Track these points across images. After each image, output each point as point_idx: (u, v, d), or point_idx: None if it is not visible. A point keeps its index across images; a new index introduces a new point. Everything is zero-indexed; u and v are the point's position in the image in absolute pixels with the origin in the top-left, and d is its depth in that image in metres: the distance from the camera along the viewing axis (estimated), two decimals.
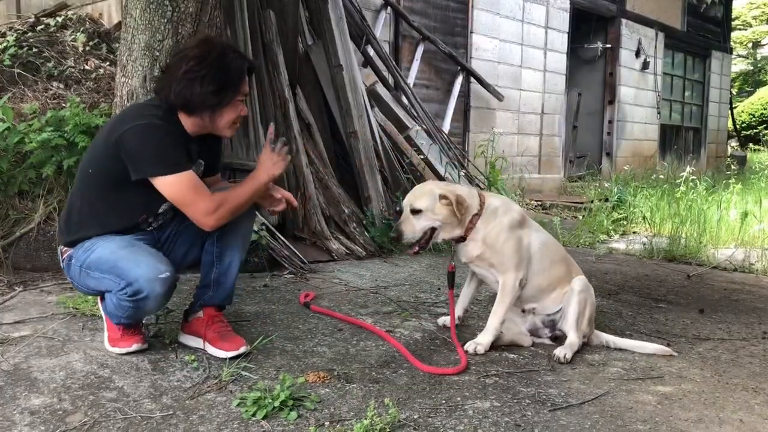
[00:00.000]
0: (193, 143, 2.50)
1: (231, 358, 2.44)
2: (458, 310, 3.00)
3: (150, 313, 2.50)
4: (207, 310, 2.58)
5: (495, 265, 2.75)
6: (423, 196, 2.73)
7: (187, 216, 2.40)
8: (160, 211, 2.49)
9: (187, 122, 2.44)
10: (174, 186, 2.31)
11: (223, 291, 2.60)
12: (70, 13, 5.62)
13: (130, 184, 2.34)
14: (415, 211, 2.70)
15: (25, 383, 2.19)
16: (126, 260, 2.32)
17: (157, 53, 3.44)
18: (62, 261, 2.54)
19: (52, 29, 5.28)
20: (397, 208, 5.03)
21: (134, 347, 2.48)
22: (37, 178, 3.74)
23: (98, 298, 2.60)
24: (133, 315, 2.40)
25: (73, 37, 5.17)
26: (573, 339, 2.73)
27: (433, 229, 2.73)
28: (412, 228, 2.70)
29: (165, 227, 2.58)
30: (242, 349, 2.49)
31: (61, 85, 4.67)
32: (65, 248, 2.51)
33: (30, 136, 3.71)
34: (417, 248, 2.75)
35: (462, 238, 2.77)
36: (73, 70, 4.82)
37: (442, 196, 2.70)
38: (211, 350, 2.51)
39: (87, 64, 4.95)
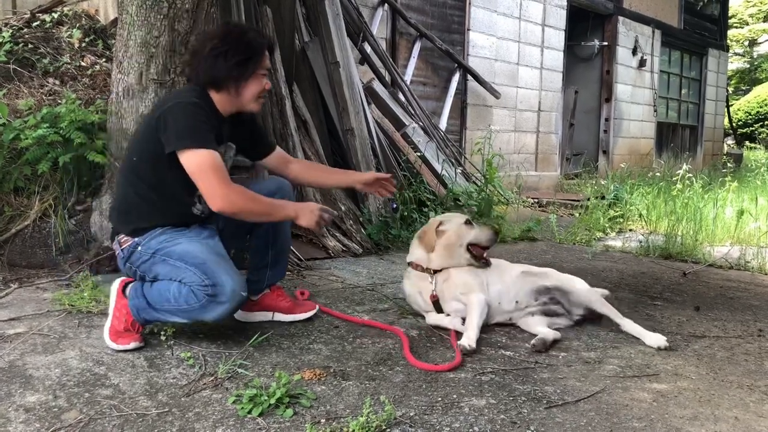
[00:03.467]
0: (225, 124, 2.63)
1: (227, 355, 2.45)
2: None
3: (206, 320, 2.48)
4: (273, 287, 2.95)
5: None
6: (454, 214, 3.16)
7: (201, 192, 2.46)
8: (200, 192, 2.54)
9: (217, 99, 2.57)
10: (196, 160, 2.40)
11: (281, 269, 2.98)
12: (65, 9, 5.59)
13: (168, 167, 2.44)
14: (469, 222, 3.06)
15: (20, 380, 2.19)
16: (217, 265, 2.42)
17: (153, 50, 3.43)
18: (120, 249, 2.57)
19: (47, 25, 5.25)
20: (393, 206, 5.03)
21: (132, 345, 2.48)
22: (33, 174, 3.73)
23: (117, 286, 2.59)
24: (191, 313, 2.43)
25: (68, 33, 5.15)
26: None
27: None
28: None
29: (212, 220, 2.70)
30: (316, 310, 2.99)
31: (57, 82, 4.65)
32: (126, 237, 2.55)
33: (25, 133, 3.70)
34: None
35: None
36: (68, 66, 4.80)
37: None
38: (286, 318, 2.92)
39: (83, 61, 4.93)
